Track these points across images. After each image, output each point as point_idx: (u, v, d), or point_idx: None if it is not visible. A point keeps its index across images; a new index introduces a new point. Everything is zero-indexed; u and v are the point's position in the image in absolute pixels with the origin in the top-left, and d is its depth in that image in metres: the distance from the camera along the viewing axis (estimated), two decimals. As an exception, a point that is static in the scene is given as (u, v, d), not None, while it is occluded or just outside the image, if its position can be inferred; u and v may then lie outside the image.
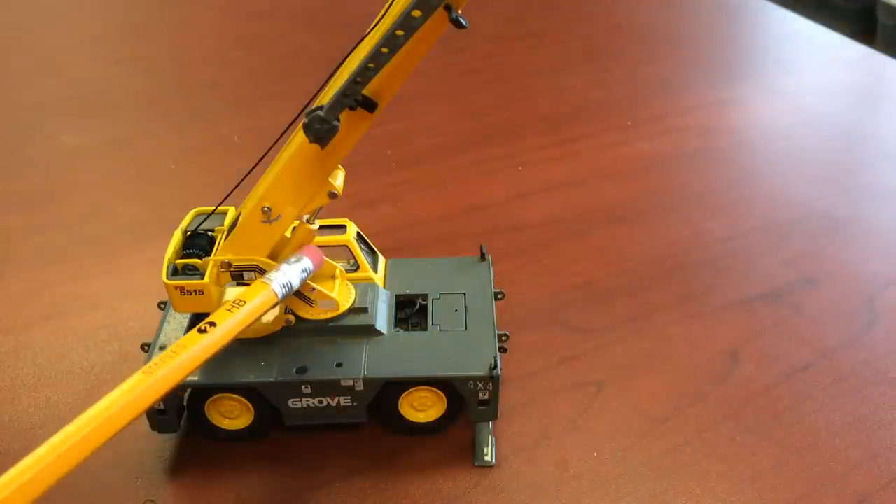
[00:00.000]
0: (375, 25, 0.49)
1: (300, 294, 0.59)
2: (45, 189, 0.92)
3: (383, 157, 0.96)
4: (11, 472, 0.40)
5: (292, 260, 0.56)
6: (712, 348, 0.69)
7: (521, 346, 0.68)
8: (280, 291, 0.53)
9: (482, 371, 0.57)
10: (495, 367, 0.56)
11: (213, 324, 0.50)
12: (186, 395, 0.58)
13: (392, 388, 0.58)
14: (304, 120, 0.51)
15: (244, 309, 0.51)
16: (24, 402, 0.65)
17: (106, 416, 0.43)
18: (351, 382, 0.57)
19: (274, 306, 0.54)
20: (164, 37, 1.30)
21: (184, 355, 0.47)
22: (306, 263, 0.56)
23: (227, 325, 0.50)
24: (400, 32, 0.47)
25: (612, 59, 1.19)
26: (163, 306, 0.65)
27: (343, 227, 0.63)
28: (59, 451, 0.41)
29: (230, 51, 1.24)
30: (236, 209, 0.60)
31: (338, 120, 0.50)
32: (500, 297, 0.64)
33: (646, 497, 0.57)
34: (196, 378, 0.57)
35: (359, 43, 0.51)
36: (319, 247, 0.60)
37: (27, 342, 0.71)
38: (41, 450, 0.41)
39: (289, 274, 0.55)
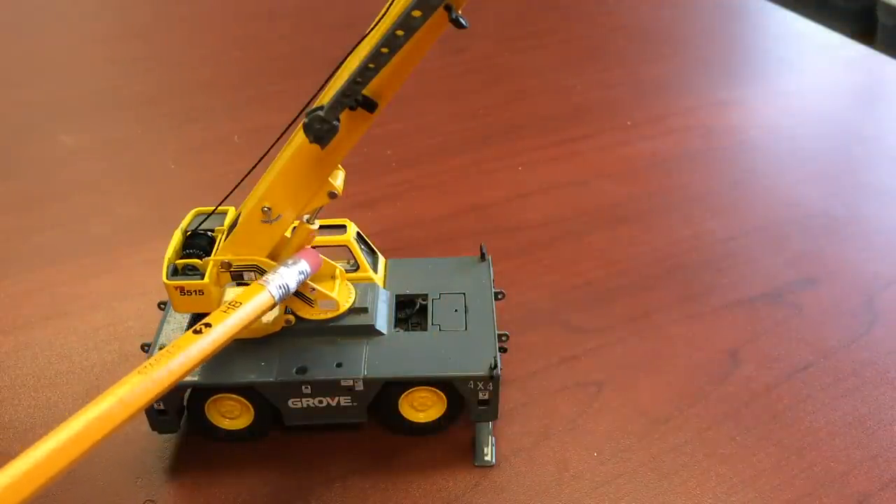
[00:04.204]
0: (375, 25, 0.49)
1: (300, 294, 0.59)
2: (45, 189, 0.92)
3: (383, 157, 0.96)
4: (3, 471, 0.40)
5: (289, 262, 0.56)
6: (713, 348, 0.69)
7: (521, 346, 0.68)
8: (277, 294, 0.53)
9: (482, 371, 0.57)
10: (495, 366, 0.56)
11: (208, 325, 0.49)
12: (186, 395, 0.58)
13: (392, 388, 0.58)
14: (304, 120, 0.51)
15: (240, 311, 0.51)
16: (24, 402, 0.65)
17: (98, 416, 0.43)
18: (351, 382, 0.57)
19: (271, 308, 0.53)
20: (163, 37, 1.30)
21: (179, 357, 0.47)
22: (303, 266, 0.56)
23: (222, 328, 0.50)
24: (400, 32, 0.47)
25: (613, 59, 1.19)
26: (163, 306, 0.65)
27: (343, 227, 0.63)
28: (50, 451, 0.41)
29: (230, 51, 1.24)
30: (236, 209, 0.60)
31: (338, 120, 0.50)
32: (500, 297, 0.64)
33: (646, 497, 0.57)
34: (196, 378, 0.57)
35: (359, 43, 0.51)
36: (319, 247, 0.60)
37: (27, 342, 0.71)
38: (32, 450, 0.41)
39: (286, 276, 0.55)
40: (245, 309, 0.51)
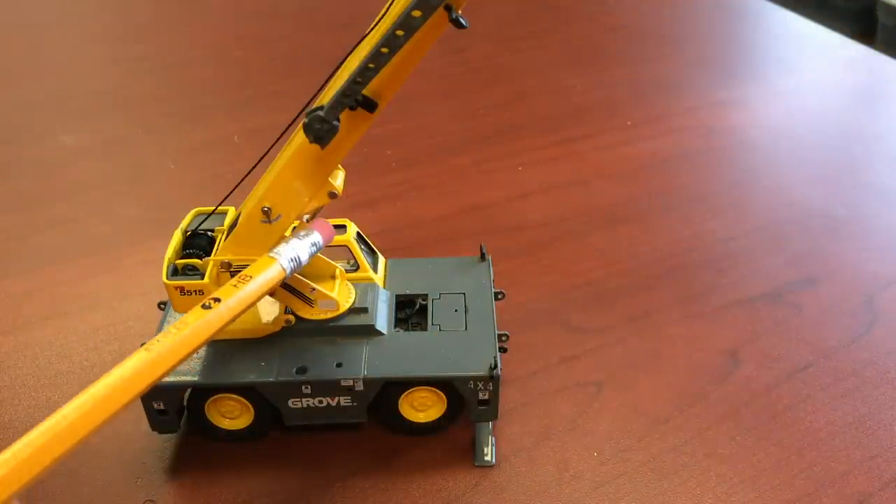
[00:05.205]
0: (375, 25, 0.49)
1: (300, 294, 0.59)
2: (45, 189, 0.92)
3: (383, 157, 0.96)
4: (10, 450, 0.40)
5: (302, 234, 0.55)
6: (712, 348, 0.69)
7: (521, 346, 0.68)
8: (288, 266, 0.52)
9: (482, 371, 0.57)
10: (495, 366, 0.56)
11: (217, 299, 0.48)
12: (186, 395, 0.58)
13: (392, 388, 0.58)
14: (304, 120, 0.51)
15: (250, 284, 0.50)
16: (24, 402, 0.65)
17: (106, 393, 0.42)
18: (351, 382, 0.57)
19: (282, 282, 0.53)
20: (163, 36, 1.30)
21: (187, 331, 0.46)
22: (316, 238, 0.55)
23: (232, 301, 0.48)
24: (400, 32, 0.47)
25: (613, 59, 1.19)
26: (163, 306, 0.65)
27: (343, 227, 0.63)
28: (58, 429, 0.40)
29: (230, 50, 1.24)
30: (236, 209, 0.60)
31: (338, 120, 0.50)
32: (500, 297, 0.64)
33: (646, 497, 0.57)
34: (196, 378, 0.57)
35: (359, 43, 0.51)
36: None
37: (27, 342, 0.71)
38: (40, 427, 0.40)
39: (298, 248, 0.53)
40: (255, 283, 0.50)
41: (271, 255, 0.52)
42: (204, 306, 0.48)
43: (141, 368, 0.44)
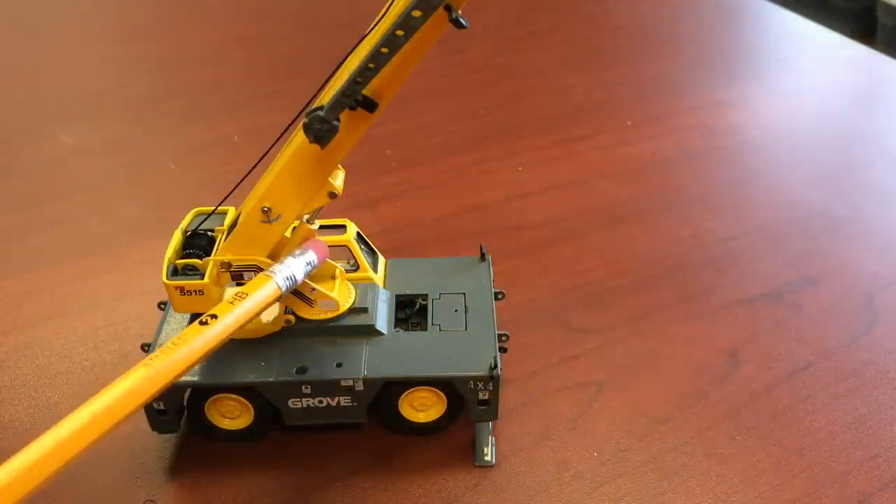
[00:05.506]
0: (375, 25, 0.49)
1: (300, 294, 0.59)
2: (45, 189, 0.92)
3: (383, 157, 0.96)
4: (9, 463, 0.40)
5: (297, 253, 0.55)
6: (712, 348, 0.69)
7: (521, 346, 0.68)
8: (284, 285, 0.53)
9: (482, 371, 0.57)
10: (495, 366, 0.56)
11: (214, 316, 0.49)
12: (186, 395, 0.58)
13: (392, 388, 0.58)
14: (304, 120, 0.51)
15: (246, 302, 0.51)
16: (24, 402, 0.65)
17: (104, 409, 0.43)
18: (351, 382, 0.57)
19: (277, 299, 0.53)
20: (163, 36, 1.30)
21: (184, 348, 0.47)
22: (311, 256, 0.56)
23: (229, 318, 0.49)
24: (400, 32, 0.47)
25: (613, 59, 1.19)
26: (163, 306, 0.65)
27: (343, 227, 0.63)
28: (56, 444, 0.41)
29: (230, 51, 1.24)
30: (236, 209, 0.60)
31: (338, 120, 0.50)
32: (500, 297, 0.64)
33: (646, 497, 0.57)
34: (196, 378, 0.57)
35: (359, 43, 0.51)
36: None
37: (27, 342, 0.71)
38: (39, 442, 0.41)
39: (293, 267, 0.54)
40: (251, 300, 0.51)
41: (267, 273, 0.53)
42: (201, 322, 0.49)
43: (139, 384, 0.45)
